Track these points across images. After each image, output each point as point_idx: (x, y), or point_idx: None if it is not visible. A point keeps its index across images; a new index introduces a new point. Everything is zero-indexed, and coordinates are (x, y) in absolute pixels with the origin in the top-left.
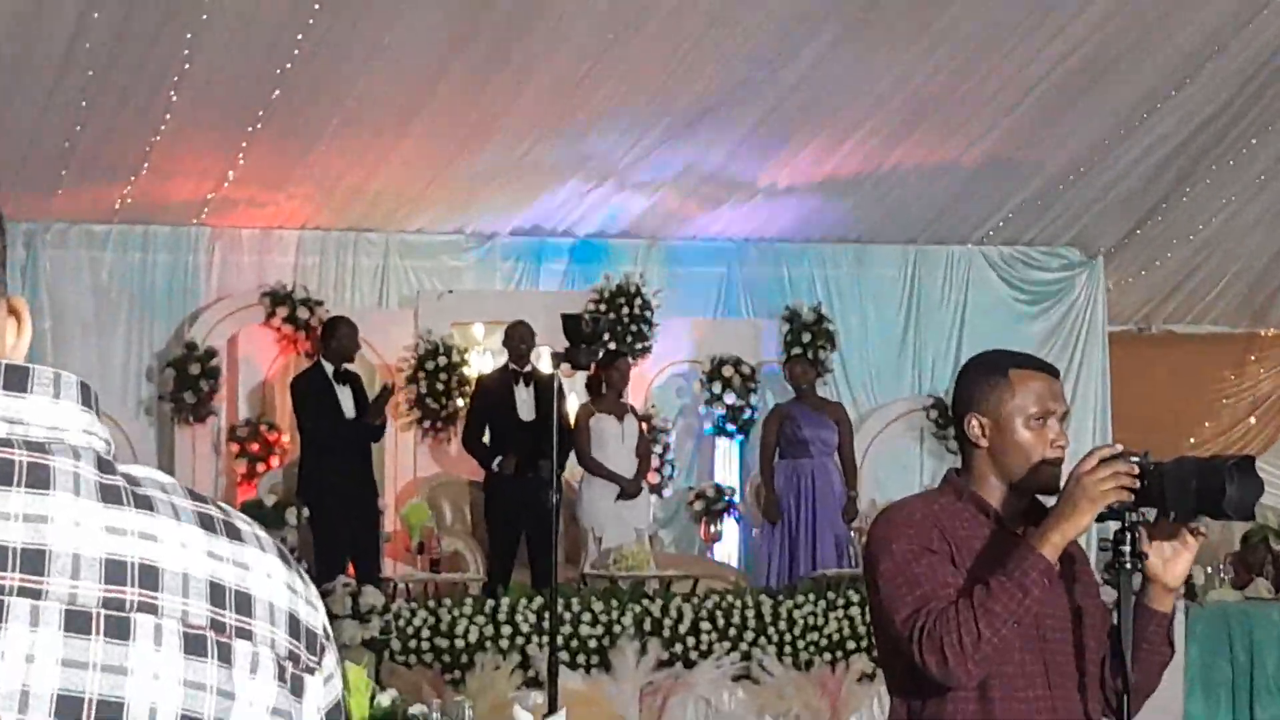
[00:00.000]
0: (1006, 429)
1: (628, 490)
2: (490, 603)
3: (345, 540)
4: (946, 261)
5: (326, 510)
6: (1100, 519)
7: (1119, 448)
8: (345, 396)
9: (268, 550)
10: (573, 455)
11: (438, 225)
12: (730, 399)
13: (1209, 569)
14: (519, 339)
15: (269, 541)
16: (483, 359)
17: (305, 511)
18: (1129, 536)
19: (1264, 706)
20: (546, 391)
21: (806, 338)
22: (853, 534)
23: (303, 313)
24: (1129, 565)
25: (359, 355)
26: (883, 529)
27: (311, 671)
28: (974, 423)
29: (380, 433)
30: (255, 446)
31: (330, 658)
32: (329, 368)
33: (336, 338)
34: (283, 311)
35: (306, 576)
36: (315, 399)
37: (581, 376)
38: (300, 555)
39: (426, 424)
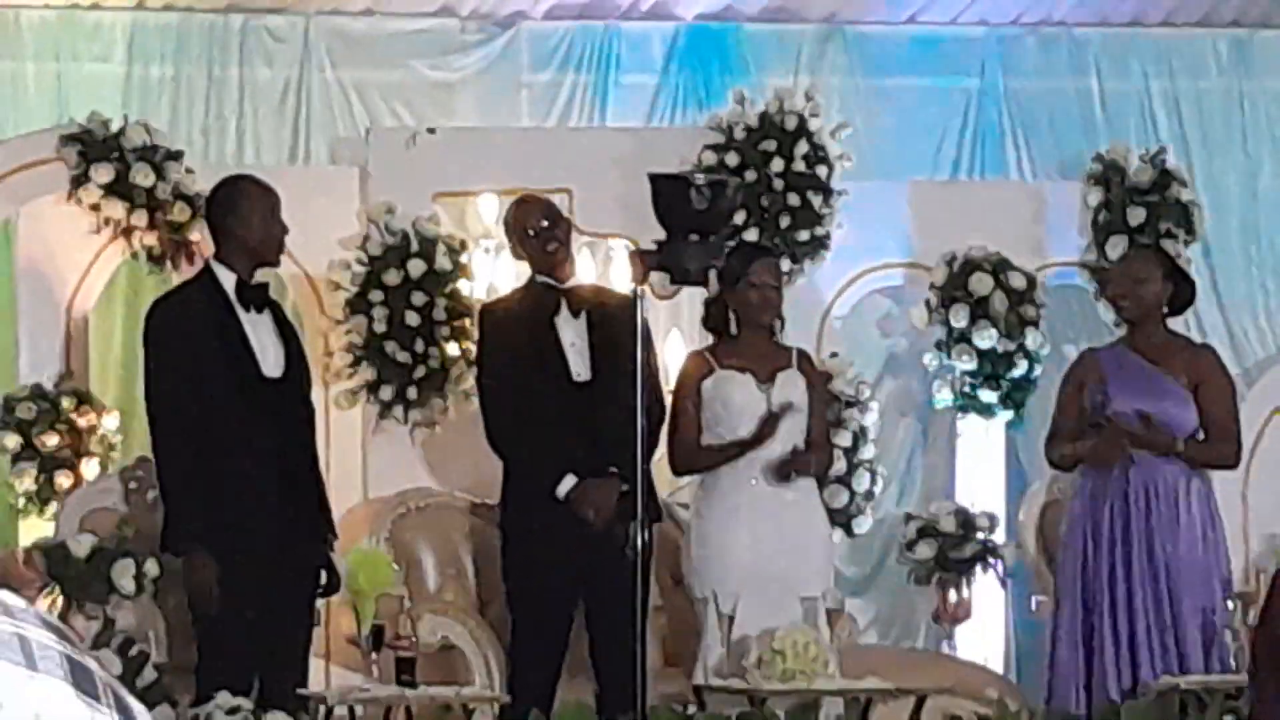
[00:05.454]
0: None
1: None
2: None
3: (252, 626)
4: None
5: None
6: None
7: None
8: (263, 334)
9: (41, 669)
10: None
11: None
12: (987, 340)
13: None
14: (540, 226)
15: (43, 647)
16: (497, 264)
17: (153, 569)
18: None
19: None
20: (615, 327)
21: (1138, 216)
22: (1232, 605)
23: (142, 174)
24: None
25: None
26: None
27: None
28: None
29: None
30: (51, 439)
31: None
32: (227, 280)
33: (239, 216)
34: (103, 173)
35: (136, 707)
36: (202, 346)
37: (691, 299)
38: (132, 657)
39: (387, 393)
